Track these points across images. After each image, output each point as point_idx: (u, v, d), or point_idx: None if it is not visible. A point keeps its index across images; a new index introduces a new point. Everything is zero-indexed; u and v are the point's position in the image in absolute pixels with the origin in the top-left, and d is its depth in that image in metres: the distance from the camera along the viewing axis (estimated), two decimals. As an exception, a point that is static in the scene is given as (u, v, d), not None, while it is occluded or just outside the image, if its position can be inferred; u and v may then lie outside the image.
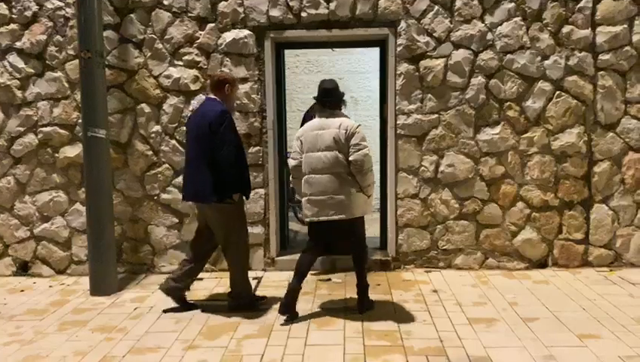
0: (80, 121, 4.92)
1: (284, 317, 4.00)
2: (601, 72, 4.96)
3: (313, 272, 5.03)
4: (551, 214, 5.11)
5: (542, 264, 5.16)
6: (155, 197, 5.23)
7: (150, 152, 5.18)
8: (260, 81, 5.10)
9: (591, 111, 5.00)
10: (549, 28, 4.93)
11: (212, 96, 4.10)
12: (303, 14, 5.01)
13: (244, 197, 4.16)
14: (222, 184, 3.91)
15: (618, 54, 4.92)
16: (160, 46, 5.08)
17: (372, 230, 5.47)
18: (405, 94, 5.05)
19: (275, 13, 5.01)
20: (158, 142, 5.17)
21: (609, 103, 4.98)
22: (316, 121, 4.05)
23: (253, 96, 5.10)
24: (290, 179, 4.45)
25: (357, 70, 8.14)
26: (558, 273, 5.01)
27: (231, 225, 4.09)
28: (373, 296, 4.34)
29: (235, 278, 4.24)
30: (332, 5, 4.98)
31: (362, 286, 4.14)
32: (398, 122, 5.08)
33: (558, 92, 4.99)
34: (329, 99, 4.05)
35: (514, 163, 5.06)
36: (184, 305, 4.29)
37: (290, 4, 5.00)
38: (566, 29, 4.93)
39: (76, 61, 4.88)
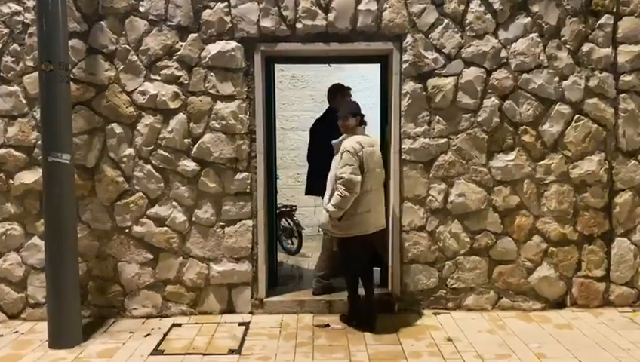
0: (39, 142, 4.24)
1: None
2: (623, 95, 4.55)
3: (307, 316, 4.47)
4: (569, 249, 4.64)
5: (559, 304, 4.68)
6: (127, 230, 4.56)
7: (121, 179, 4.53)
8: (249, 99, 4.52)
9: (612, 137, 4.58)
10: (567, 46, 4.51)
11: None
12: (298, 25, 4.47)
13: None
14: None
15: (641, 75, 4.54)
16: (134, 58, 4.46)
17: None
18: (411, 116, 4.55)
19: (267, 23, 4.45)
20: (131, 168, 4.52)
21: (631, 128, 4.57)
22: (362, 137, 4.23)
23: (240, 116, 4.51)
24: (344, 194, 4.03)
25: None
26: (578, 314, 4.54)
27: None
28: (379, 345, 3.85)
29: None
30: (330, 16, 4.46)
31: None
32: (403, 146, 4.56)
33: (577, 115, 4.56)
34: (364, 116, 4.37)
35: (530, 192, 4.59)
36: None
37: (284, 13, 4.45)
38: (586, 47, 4.51)
39: (36, 74, 4.20)
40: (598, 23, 4.50)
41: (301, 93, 7.57)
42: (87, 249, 4.52)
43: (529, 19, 4.49)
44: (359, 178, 4.05)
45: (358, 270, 4.37)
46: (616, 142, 4.59)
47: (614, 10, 4.49)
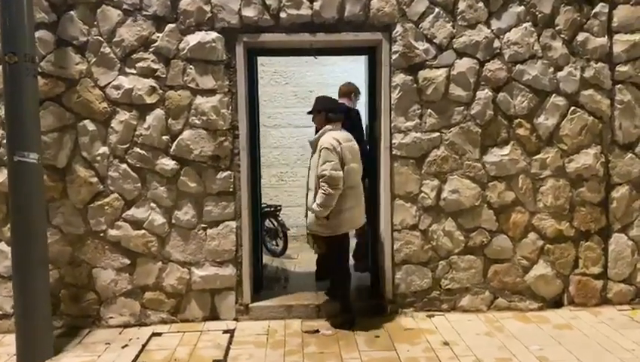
0: (4, 141, 3.93)
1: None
2: (619, 86, 4.41)
3: (296, 322, 4.25)
4: (566, 246, 4.48)
5: (556, 303, 4.51)
6: (101, 234, 4.27)
7: (95, 179, 4.24)
8: (231, 93, 4.27)
9: (608, 130, 4.43)
10: (562, 35, 4.35)
11: None
12: (282, 15, 4.23)
13: None
14: None
15: (637, 65, 4.39)
16: (107, 50, 4.18)
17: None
18: (401, 109, 4.34)
19: (249, 12, 4.21)
20: (105, 167, 4.23)
21: (628, 120, 4.43)
22: (338, 133, 4.15)
23: (222, 111, 4.26)
24: (328, 191, 3.95)
25: (329, 83, 7.35)
26: (577, 314, 4.38)
27: None
28: (372, 352, 3.67)
29: None
30: (316, 5, 4.23)
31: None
32: (393, 141, 4.35)
33: (572, 107, 4.40)
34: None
35: (525, 188, 4.42)
36: None
37: (267, 2, 4.21)
38: (581, 36, 4.36)
39: None
40: (593, 11, 4.35)
41: (283, 89, 7.32)
42: (58, 255, 4.22)
43: (522, 7, 4.32)
44: (341, 173, 3.99)
45: (349, 268, 4.40)
46: (613, 135, 4.44)
47: (609, -2, 4.35)
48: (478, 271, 4.46)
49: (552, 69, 4.36)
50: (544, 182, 4.43)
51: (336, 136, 4.07)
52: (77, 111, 4.19)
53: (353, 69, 7.41)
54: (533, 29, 4.33)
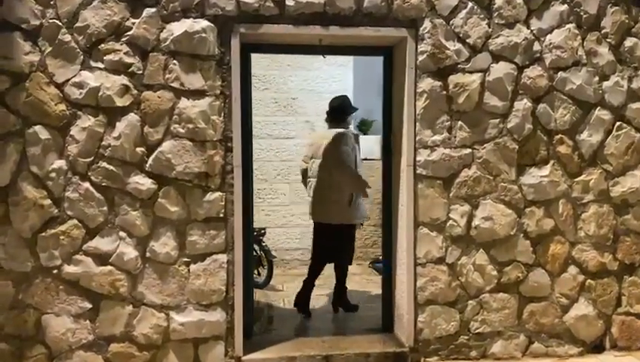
0: None
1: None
2: (669, 99, 3.90)
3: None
4: (608, 281, 3.91)
5: (597, 346, 3.92)
6: (55, 271, 3.36)
7: (47, 201, 3.32)
8: (224, 95, 3.47)
9: (656, 149, 3.91)
10: (608, 40, 3.80)
11: None
12: (289, 3, 3.48)
13: None
14: None
15: (690, 77, 3.89)
16: (67, 38, 3.29)
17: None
18: (428, 121, 3.66)
19: (248, -2, 3.44)
20: (62, 186, 3.33)
21: (678, 139, 3.92)
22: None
23: (213, 117, 3.44)
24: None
25: (314, 89, 6.67)
26: (621, 360, 3.80)
27: None
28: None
29: None
30: (330, -8, 3.51)
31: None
32: (418, 158, 3.66)
33: (618, 123, 3.85)
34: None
35: (566, 215, 3.82)
36: None
37: (271, -14, 3.45)
38: (629, 42, 3.82)
39: None
40: (642, 13, 3.83)
41: (262, 95, 6.52)
42: (-4, 298, 3.28)
43: (566, 6, 3.73)
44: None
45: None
46: (661, 155, 3.92)
47: (660, -1, 3.85)
48: (512, 311, 3.81)
49: (596, 78, 3.79)
50: (586, 208, 3.85)
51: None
52: (25, 114, 3.28)
53: (340, 75, 6.77)
54: (577, 31, 3.75)
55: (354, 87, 6.73)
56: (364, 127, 6.98)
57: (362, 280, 5.69)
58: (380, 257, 6.30)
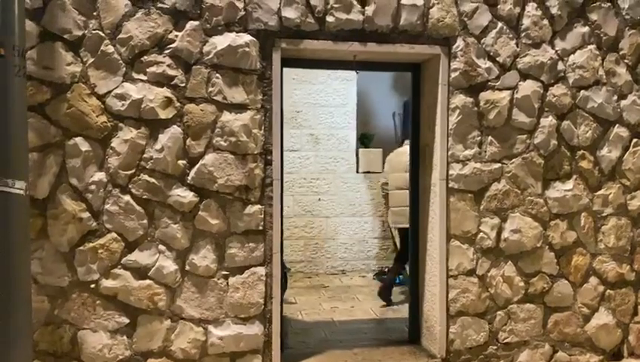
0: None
1: None
2: (680, 117, 4.12)
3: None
4: (626, 291, 4.07)
5: (615, 355, 4.07)
6: (92, 286, 3.29)
7: (86, 214, 3.26)
8: (264, 109, 3.49)
9: (669, 165, 4.12)
10: (625, 60, 3.99)
11: None
12: (329, 19, 3.54)
13: None
14: None
15: (698, 97, 4.12)
16: (110, 49, 3.26)
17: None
18: (460, 136, 3.76)
19: (290, 13, 3.47)
20: (101, 199, 3.28)
21: (688, 155, 4.14)
22: None
23: (254, 131, 3.46)
24: None
25: (318, 103, 6.75)
26: (640, 367, 3.96)
27: None
28: None
29: None
30: (369, 10, 3.58)
31: None
32: (450, 173, 3.75)
33: (635, 140, 4.04)
34: None
35: (587, 227, 3.97)
36: None
37: (312, 3, 3.50)
38: (644, 63, 4.03)
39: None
40: (657, 37, 4.04)
41: (267, 108, 6.56)
42: (33, 313, 3.17)
43: (587, 28, 3.92)
44: None
45: None
46: (673, 170, 4.12)
47: (674, 22, 4.07)
48: (537, 321, 3.92)
49: (615, 97, 3.98)
50: (606, 221, 4.01)
51: None
52: (66, 126, 3.23)
53: (344, 89, 6.87)
54: (597, 52, 3.94)
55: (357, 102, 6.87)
56: (366, 140, 7.08)
57: (372, 292, 5.70)
58: (386, 269, 6.41)
